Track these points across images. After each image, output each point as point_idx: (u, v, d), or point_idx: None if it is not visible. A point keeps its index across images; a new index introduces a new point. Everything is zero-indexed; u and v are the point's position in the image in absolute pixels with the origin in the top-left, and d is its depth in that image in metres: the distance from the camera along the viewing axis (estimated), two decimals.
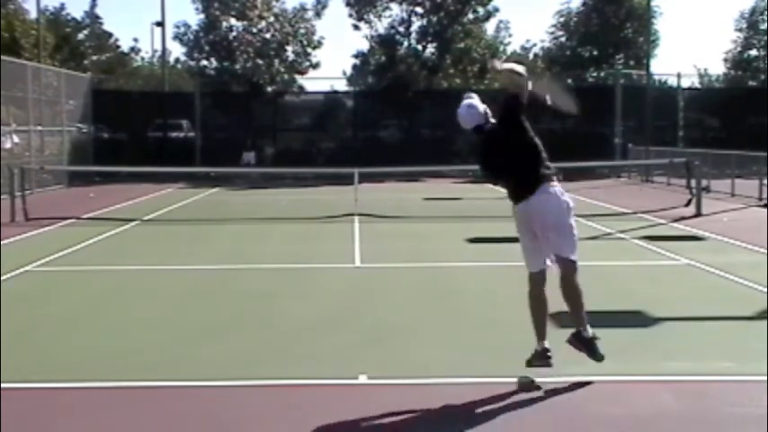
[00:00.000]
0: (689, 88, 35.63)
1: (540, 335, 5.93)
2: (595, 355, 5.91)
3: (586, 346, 5.91)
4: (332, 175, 24.76)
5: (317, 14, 34.00)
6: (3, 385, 5.73)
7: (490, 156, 6.00)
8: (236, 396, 5.65)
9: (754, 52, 39.14)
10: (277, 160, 31.22)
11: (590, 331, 5.92)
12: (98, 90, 31.75)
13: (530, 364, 5.86)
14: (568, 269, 5.83)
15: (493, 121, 5.95)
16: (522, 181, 5.79)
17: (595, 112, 31.75)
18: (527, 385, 5.71)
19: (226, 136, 32.28)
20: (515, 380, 5.87)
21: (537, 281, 5.94)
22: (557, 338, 7.09)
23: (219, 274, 10.75)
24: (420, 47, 33.92)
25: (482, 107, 5.98)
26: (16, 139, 23.91)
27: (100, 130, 30.83)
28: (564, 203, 5.77)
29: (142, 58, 49.21)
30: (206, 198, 21.97)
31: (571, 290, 5.86)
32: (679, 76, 33.36)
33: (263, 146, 32.05)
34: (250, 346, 7.00)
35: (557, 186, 5.78)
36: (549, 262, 5.89)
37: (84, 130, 29.09)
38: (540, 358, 5.85)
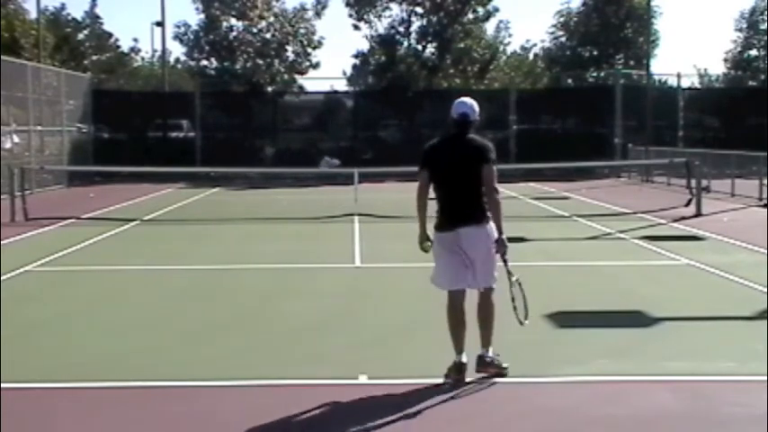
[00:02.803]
0: (689, 88, 35.56)
1: (458, 348, 5.97)
2: (503, 371, 5.97)
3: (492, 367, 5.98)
4: (332, 175, 24.75)
5: (317, 14, 34.00)
6: (3, 385, 5.73)
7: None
8: (235, 396, 5.66)
9: (754, 52, 39.09)
10: (277, 160, 31.19)
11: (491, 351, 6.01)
12: (98, 90, 31.72)
13: (447, 375, 5.87)
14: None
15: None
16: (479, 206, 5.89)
17: (595, 112, 31.85)
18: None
19: (226, 136, 32.29)
20: (515, 380, 5.87)
21: (458, 298, 6.05)
22: (556, 338, 7.11)
23: (219, 274, 10.75)
24: (420, 47, 33.90)
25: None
26: (16, 139, 23.89)
27: (100, 130, 30.81)
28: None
29: (142, 58, 49.12)
30: (206, 198, 21.96)
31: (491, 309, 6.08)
32: (679, 76, 33.37)
33: (262, 146, 32.10)
34: (250, 346, 7.00)
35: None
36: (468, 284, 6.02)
37: (84, 130, 29.08)
38: (456, 371, 5.85)
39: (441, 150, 6.06)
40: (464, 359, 5.88)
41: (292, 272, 10.72)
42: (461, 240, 5.85)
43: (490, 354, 5.97)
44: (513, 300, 5.99)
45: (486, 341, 6.01)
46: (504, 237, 5.86)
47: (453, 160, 5.91)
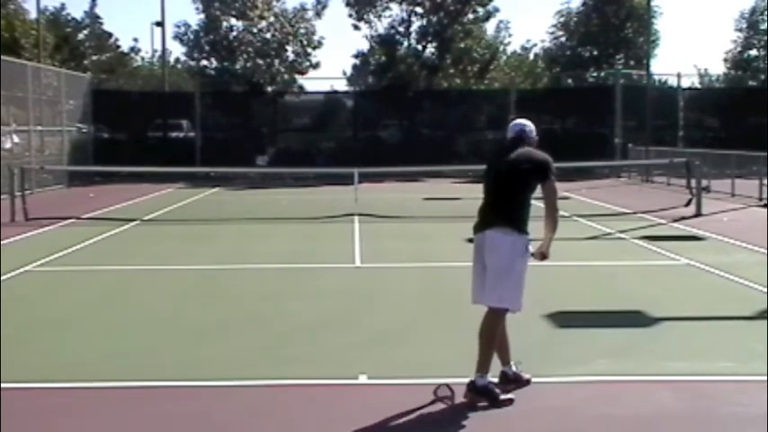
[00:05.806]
0: (689, 88, 35.57)
1: (483, 366, 5.41)
2: (497, 402, 5.36)
3: (483, 395, 5.39)
4: (332, 175, 24.76)
5: (317, 14, 33.98)
6: (3, 385, 5.73)
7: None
8: (235, 396, 5.66)
9: (754, 52, 39.09)
10: (277, 160, 31.20)
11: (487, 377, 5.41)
12: (98, 90, 31.68)
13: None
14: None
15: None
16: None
17: (595, 112, 31.86)
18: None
19: (226, 136, 32.30)
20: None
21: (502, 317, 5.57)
22: (556, 338, 7.11)
23: (219, 274, 10.75)
24: (420, 47, 33.91)
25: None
26: (16, 139, 23.88)
27: (100, 130, 30.80)
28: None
29: (142, 58, 49.09)
30: (206, 198, 21.96)
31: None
32: (679, 76, 33.38)
33: (263, 146, 32.10)
34: (249, 346, 7.00)
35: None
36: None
37: (84, 130, 29.07)
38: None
39: (496, 154, 5.90)
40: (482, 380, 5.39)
41: (292, 272, 10.72)
42: (485, 243, 5.49)
43: (483, 380, 5.38)
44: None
45: (479, 365, 5.40)
46: (545, 251, 5.72)
47: (501, 164, 5.64)
